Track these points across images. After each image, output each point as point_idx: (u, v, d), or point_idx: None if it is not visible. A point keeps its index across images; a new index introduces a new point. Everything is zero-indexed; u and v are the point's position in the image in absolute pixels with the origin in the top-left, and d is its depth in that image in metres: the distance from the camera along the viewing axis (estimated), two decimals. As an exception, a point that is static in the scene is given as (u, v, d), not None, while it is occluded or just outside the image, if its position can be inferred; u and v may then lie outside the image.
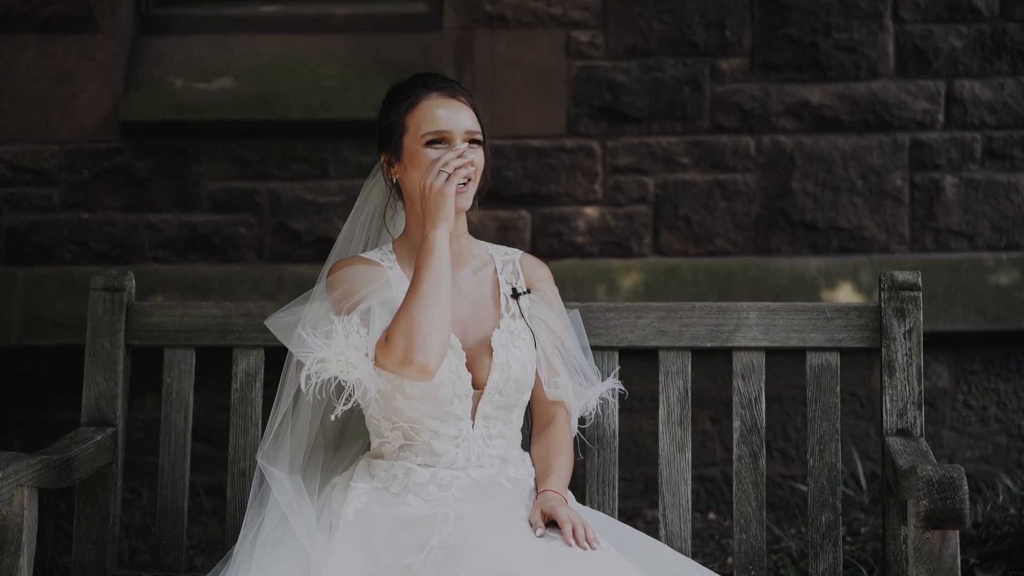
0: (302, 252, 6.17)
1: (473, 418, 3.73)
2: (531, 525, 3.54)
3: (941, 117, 6.15)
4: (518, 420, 3.84)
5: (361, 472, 3.75)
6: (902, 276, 4.03)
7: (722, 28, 6.11)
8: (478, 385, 3.73)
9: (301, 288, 5.96)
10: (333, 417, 3.63)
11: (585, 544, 3.45)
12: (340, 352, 3.57)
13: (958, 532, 3.48)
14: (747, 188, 6.17)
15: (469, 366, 3.72)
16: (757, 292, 6.05)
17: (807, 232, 6.16)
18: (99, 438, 4.02)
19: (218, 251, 6.17)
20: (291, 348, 3.69)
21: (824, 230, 6.16)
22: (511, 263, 3.92)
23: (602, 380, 3.98)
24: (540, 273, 3.95)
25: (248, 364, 4.14)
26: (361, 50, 6.28)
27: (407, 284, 3.72)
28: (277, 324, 3.76)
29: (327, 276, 3.77)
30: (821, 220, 6.16)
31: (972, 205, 6.17)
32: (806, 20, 6.10)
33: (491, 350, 3.74)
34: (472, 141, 3.74)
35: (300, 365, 3.63)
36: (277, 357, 3.82)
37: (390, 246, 3.85)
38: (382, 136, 3.82)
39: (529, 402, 3.90)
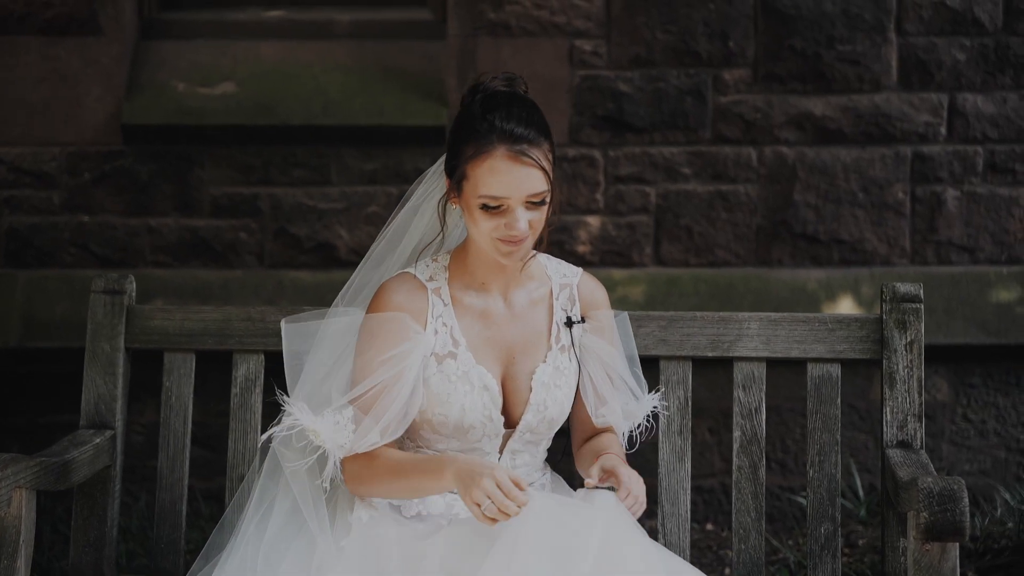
0: (303, 258, 6.16)
1: (500, 452, 3.68)
2: (587, 476, 3.49)
3: (943, 130, 6.15)
4: (545, 446, 3.80)
5: None
6: (904, 288, 4.02)
7: (725, 39, 6.12)
8: (511, 422, 3.66)
9: (302, 294, 6.01)
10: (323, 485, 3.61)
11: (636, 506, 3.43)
12: (317, 433, 3.52)
13: (958, 545, 3.47)
14: (749, 199, 6.17)
15: (505, 399, 3.64)
16: (758, 304, 6.05)
17: (808, 244, 6.16)
18: (98, 441, 4.02)
19: (219, 256, 6.16)
20: (287, 372, 3.67)
21: (825, 242, 6.16)
22: (568, 288, 3.77)
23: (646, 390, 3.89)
24: (597, 298, 3.80)
25: (248, 369, 4.13)
26: (364, 57, 6.28)
27: (450, 312, 3.63)
28: (290, 338, 3.71)
29: (372, 298, 3.64)
30: (822, 232, 6.16)
31: (974, 219, 6.17)
32: (810, 32, 6.10)
33: (531, 388, 3.66)
34: (534, 203, 3.53)
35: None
36: (277, 362, 3.80)
37: (447, 261, 3.70)
38: (449, 163, 3.60)
39: (570, 420, 3.81)
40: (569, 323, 3.74)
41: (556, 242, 6.08)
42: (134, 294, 4.18)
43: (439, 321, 3.62)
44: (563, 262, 3.85)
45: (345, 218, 6.15)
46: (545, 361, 3.69)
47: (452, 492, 3.51)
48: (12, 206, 6.16)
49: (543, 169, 3.50)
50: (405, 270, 3.69)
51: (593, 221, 6.13)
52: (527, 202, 3.51)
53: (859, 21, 6.10)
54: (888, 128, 6.14)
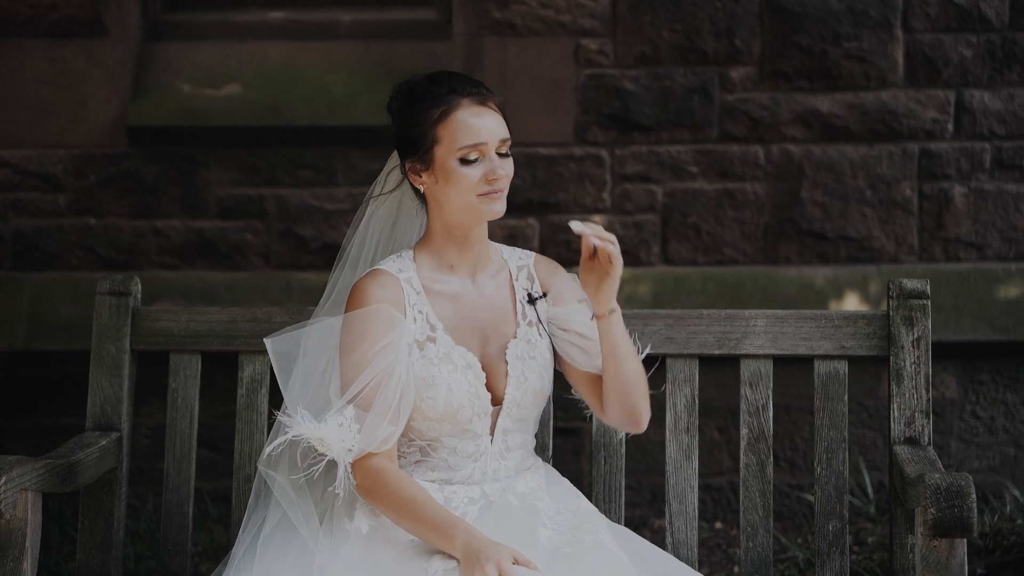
0: (309, 259, 6.16)
1: (492, 433, 3.68)
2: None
3: (950, 127, 6.14)
4: (534, 427, 3.81)
5: None
6: (911, 284, 4.01)
7: (732, 37, 6.11)
8: (496, 400, 3.67)
9: (308, 295, 6.00)
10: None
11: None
12: (321, 438, 3.49)
13: (965, 541, 3.46)
14: (756, 197, 6.15)
15: (488, 379, 3.66)
16: (765, 302, 6.04)
17: (815, 242, 6.15)
18: (104, 443, 4.01)
19: (225, 258, 6.16)
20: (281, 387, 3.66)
21: (833, 240, 6.15)
22: (525, 268, 3.82)
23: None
24: (553, 269, 3.85)
25: (254, 370, 4.12)
26: (369, 57, 6.27)
27: (423, 299, 3.65)
28: (277, 351, 3.69)
29: (348, 297, 3.66)
30: (830, 230, 6.15)
31: (981, 215, 6.15)
32: (816, 29, 6.09)
33: (507, 361, 3.69)
34: (502, 152, 3.62)
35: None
36: (283, 363, 3.79)
37: (411, 253, 3.73)
38: (406, 143, 3.69)
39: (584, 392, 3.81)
40: (531, 300, 3.78)
41: (563, 241, 6.08)
42: (140, 296, 4.18)
43: (415, 309, 3.65)
44: (515, 248, 3.91)
45: (351, 218, 6.13)
46: (516, 336, 3.72)
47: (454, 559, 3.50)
48: (18, 208, 6.16)
49: (503, 113, 3.64)
50: (373, 267, 3.74)
51: (600, 220, 6.12)
52: (498, 151, 3.60)
53: (865, 18, 6.09)
54: (895, 125, 6.12)
